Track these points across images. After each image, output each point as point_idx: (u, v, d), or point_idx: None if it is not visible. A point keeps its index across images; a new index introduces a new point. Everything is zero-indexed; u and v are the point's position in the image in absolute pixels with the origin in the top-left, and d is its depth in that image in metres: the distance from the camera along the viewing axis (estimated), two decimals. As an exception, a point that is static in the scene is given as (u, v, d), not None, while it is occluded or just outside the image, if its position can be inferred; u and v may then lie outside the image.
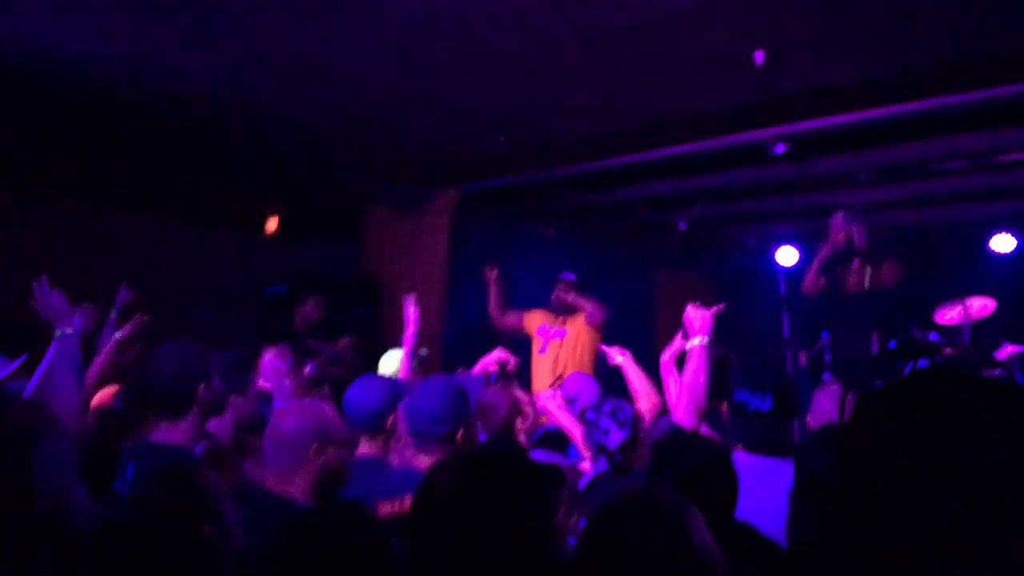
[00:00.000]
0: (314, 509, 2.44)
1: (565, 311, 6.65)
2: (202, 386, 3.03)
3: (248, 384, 3.53)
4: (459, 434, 3.03)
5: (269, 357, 4.54)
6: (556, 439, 4.19)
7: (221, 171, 6.49)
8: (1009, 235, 7.64)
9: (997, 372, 6.57)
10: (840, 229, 6.19)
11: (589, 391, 4.58)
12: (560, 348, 6.68)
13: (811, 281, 6.33)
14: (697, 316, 3.48)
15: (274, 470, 2.58)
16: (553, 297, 6.68)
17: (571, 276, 6.74)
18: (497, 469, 1.70)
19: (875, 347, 6.75)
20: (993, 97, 4.67)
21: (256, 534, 2.13)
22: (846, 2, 3.78)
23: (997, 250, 7.76)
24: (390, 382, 3.59)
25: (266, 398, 4.24)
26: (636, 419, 3.24)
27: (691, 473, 2.33)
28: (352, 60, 4.45)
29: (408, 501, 2.72)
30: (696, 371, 3.33)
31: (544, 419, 4.50)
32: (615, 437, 3.17)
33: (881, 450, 1.02)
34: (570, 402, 4.43)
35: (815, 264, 6.31)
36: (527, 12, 3.88)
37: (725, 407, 3.52)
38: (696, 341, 3.42)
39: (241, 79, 4.74)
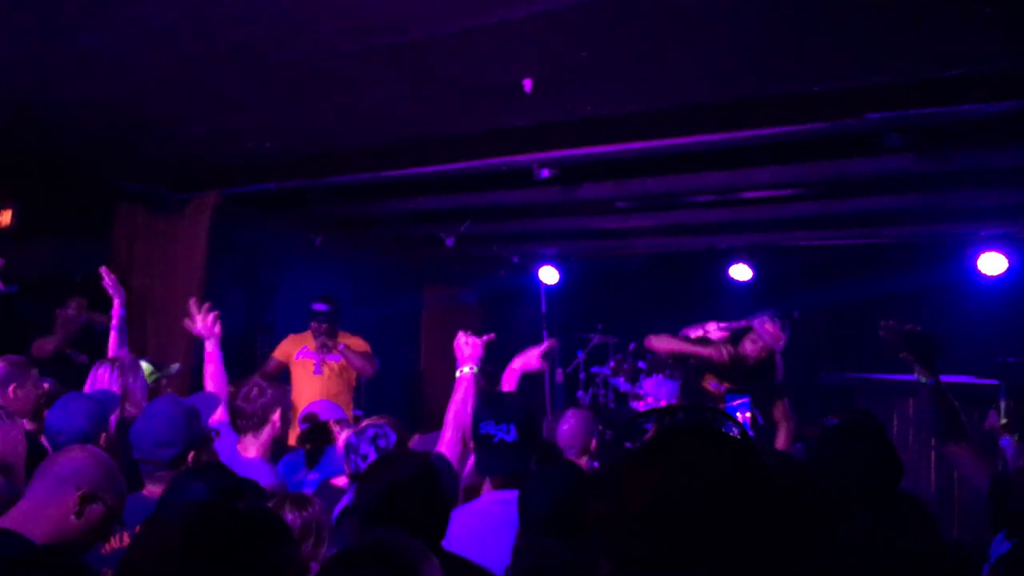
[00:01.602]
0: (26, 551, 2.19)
1: (327, 335, 6.56)
2: None
3: None
4: (189, 457, 2.88)
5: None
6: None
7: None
8: (745, 265, 8.32)
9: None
10: (778, 336, 5.60)
11: (333, 410, 4.55)
12: (337, 370, 6.61)
13: (676, 350, 5.91)
14: (468, 343, 3.52)
15: (22, 505, 2.31)
16: (317, 342, 6.55)
17: (323, 307, 6.59)
18: (215, 534, 1.60)
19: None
20: (736, 139, 5.06)
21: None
22: (606, 42, 3.94)
23: (736, 278, 8.44)
24: (96, 400, 3.37)
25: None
26: (401, 447, 3.21)
27: (395, 489, 2.33)
28: (108, 50, 4.11)
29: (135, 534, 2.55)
30: (464, 400, 3.35)
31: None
32: None
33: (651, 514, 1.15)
34: (310, 418, 4.40)
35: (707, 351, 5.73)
36: (300, 23, 3.75)
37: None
38: (466, 369, 3.45)
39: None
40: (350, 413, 6.54)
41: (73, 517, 2.29)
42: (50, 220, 6.54)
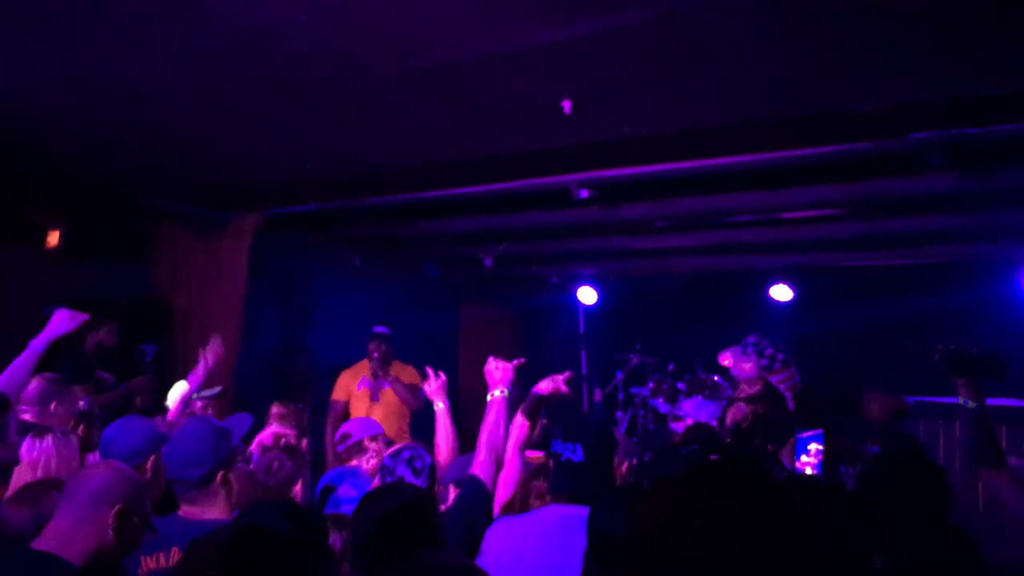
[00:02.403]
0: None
1: (385, 360, 6.65)
2: None
3: (5, 428, 3.22)
4: (218, 477, 2.91)
5: (35, 384, 4.20)
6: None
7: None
8: (786, 286, 8.23)
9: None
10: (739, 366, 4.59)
11: (367, 428, 4.57)
12: (394, 397, 6.67)
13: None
14: (498, 368, 3.58)
15: (56, 526, 2.33)
16: (372, 366, 6.62)
17: (384, 329, 6.71)
18: (255, 556, 1.61)
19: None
20: (777, 159, 5.02)
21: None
22: (642, 63, 3.94)
23: (776, 298, 8.35)
24: (152, 424, 3.41)
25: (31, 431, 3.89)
26: (434, 469, 3.24)
27: (387, 519, 2.38)
28: (146, 75, 4.19)
29: (173, 555, 2.58)
30: (496, 422, 3.44)
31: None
32: None
33: (676, 529, 1.19)
34: (344, 438, 4.42)
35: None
36: (338, 50, 3.80)
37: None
38: (496, 393, 3.52)
39: (16, 84, 4.37)
40: (406, 438, 6.56)
41: (111, 532, 2.33)
42: (95, 241, 6.66)
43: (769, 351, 4.75)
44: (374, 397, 6.68)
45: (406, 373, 6.76)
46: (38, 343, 3.86)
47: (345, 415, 6.68)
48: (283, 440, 4.28)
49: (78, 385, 5.43)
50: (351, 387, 6.78)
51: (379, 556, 2.27)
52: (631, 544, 1.28)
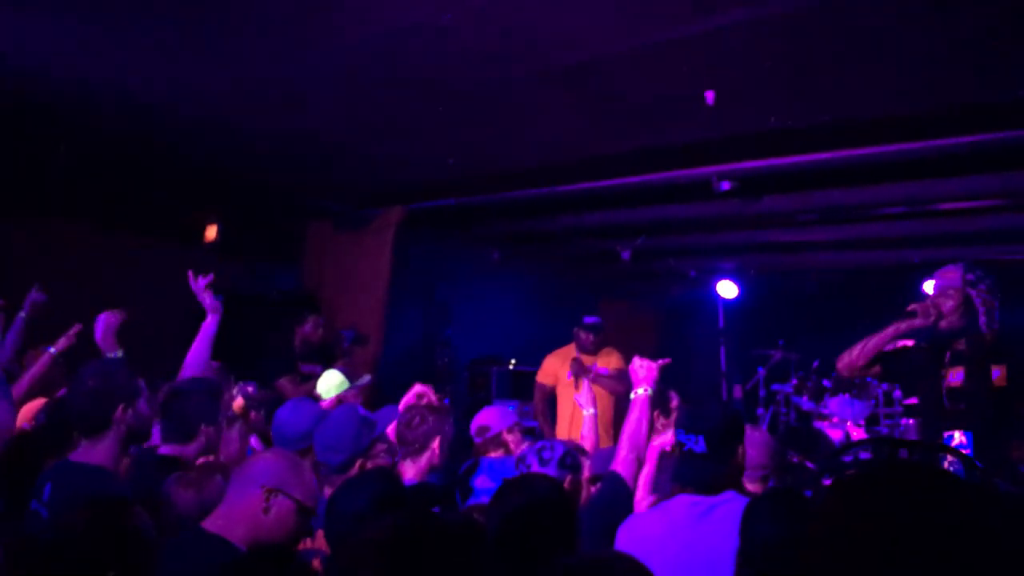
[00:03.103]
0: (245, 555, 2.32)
1: (596, 350, 6.53)
2: (121, 407, 2.92)
3: (218, 412, 3.40)
4: (356, 464, 3.03)
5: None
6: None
7: (156, 183, 6.34)
8: (941, 281, 7.81)
9: None
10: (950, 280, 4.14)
11: (503, 419, 4.56)
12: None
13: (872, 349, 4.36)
14: (643, 367, 3.56)
15: (221, 509, 2.47)
16: (572, 367, 6.46)
17: (594, 320, 6.57)
18: (419, 544, 1.64)
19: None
20: (931, 148, 4.79)
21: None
22: (792, 52, 3.84)
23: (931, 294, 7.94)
24: (321, 408, 3.56)
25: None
26: (563, 460, 3.23)
27: (519, 512, 2.38)
28: (301, 81, 4.38)
29: (319, 538, 2.69)
30: (639, 420, 3.43)
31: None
32: None
33: (845, 540, 1.12)
34: (482, 431, 4.43)
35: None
36: (482, 50, 3.87)
37: None
38: (640, 391, 3.50)
39: (183, 91, 4.63)
40: (609, 431, 6.33)
41: (262, 514, 2.42)
42: (247, 239, 6.98)
43: (980, 272, 4.33)
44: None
45: (613, 359, 6.56)
46: (209, 325, 4.01)
47: (552, 398, 6.65)
48: (425, 399, 4.34)
49: (284, 378, 5.72)
50: (560, 374, 6.63)
51: (510, 554, 2.29)
52: (800, 548, 1.21)
